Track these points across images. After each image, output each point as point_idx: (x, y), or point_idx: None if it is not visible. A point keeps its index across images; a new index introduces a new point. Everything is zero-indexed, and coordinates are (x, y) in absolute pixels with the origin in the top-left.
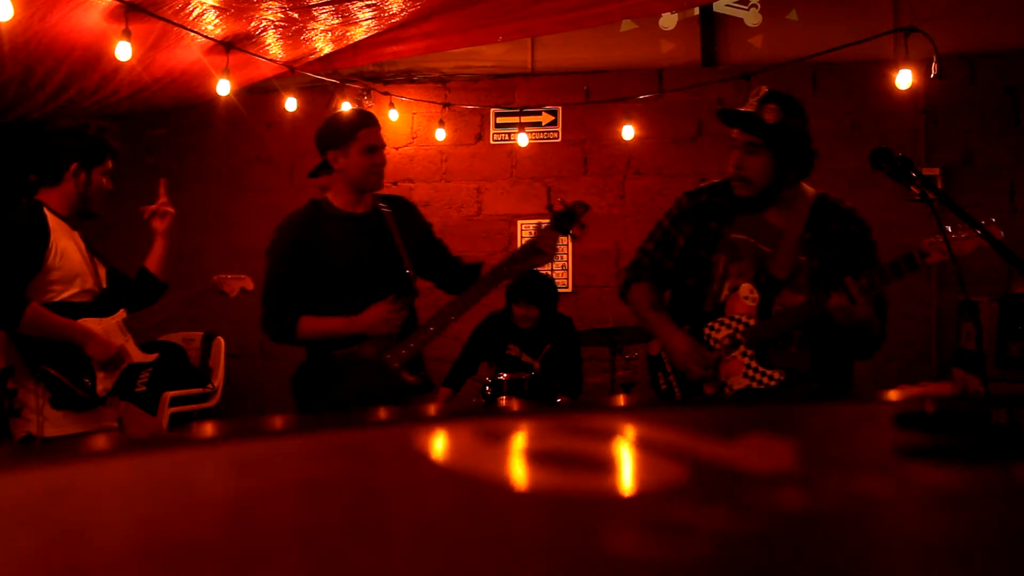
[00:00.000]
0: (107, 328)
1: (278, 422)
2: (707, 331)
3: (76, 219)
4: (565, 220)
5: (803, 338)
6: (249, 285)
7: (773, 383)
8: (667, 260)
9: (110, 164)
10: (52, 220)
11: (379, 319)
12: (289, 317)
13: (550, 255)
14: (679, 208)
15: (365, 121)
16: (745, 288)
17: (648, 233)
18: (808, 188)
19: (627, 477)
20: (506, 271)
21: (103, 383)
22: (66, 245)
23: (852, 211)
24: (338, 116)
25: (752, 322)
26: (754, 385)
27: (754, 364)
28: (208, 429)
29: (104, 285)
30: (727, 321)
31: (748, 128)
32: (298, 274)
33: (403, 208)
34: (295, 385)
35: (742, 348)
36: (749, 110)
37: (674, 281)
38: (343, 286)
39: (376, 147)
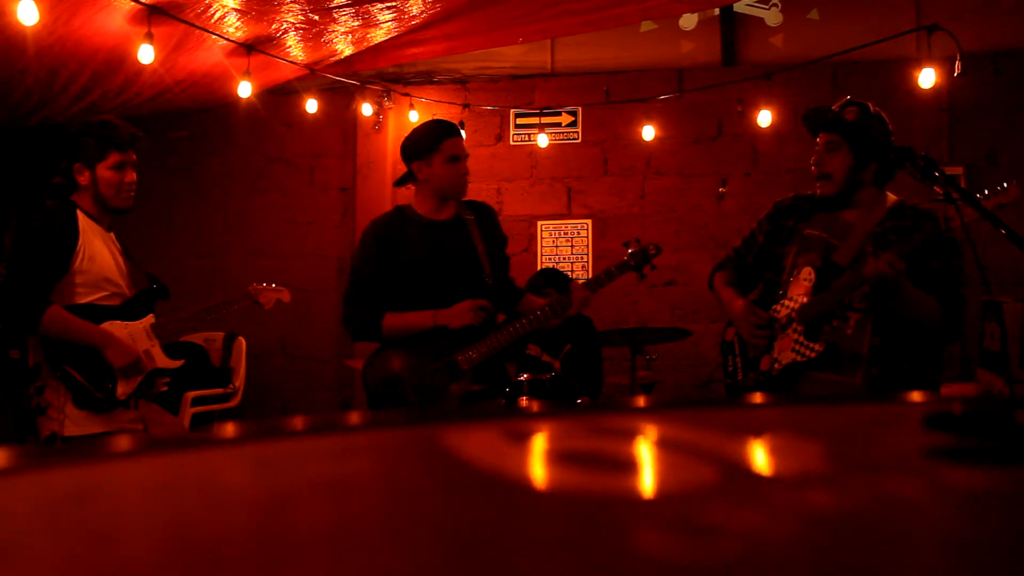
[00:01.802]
0: (133, 332)
1: (302, 422)
2: (771, 313)
3: (109, 219)
4: (638, 260)
5: (861, 320)
6: (286, 297)
7: (813, 355)
8: (748, 255)
9: (118, 157)
10: (84, 222)
11: (464, 310)
12: (373, 315)
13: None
14: (767, 211)
15: (448, 131)
16: (805, 271)
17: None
18: (891, 196)
19: (654, 478)
20: (600, 283)
21: (123, 387)
22: (98, 248)
23: (930, 211)
24: (422, 127)
25: (806, 300)
26: (799, 359)
27: (801, 339)
28: (232, 429)
29: (135, 289)
30: (787, 302)
31: (829, 127)
32: (380, 275)
33: (486, 216)
34: (365, 373)
35: (795, 324)
36: (830, 109)
37: (755, 275)
38: (421, 289)
39: (459, 157)
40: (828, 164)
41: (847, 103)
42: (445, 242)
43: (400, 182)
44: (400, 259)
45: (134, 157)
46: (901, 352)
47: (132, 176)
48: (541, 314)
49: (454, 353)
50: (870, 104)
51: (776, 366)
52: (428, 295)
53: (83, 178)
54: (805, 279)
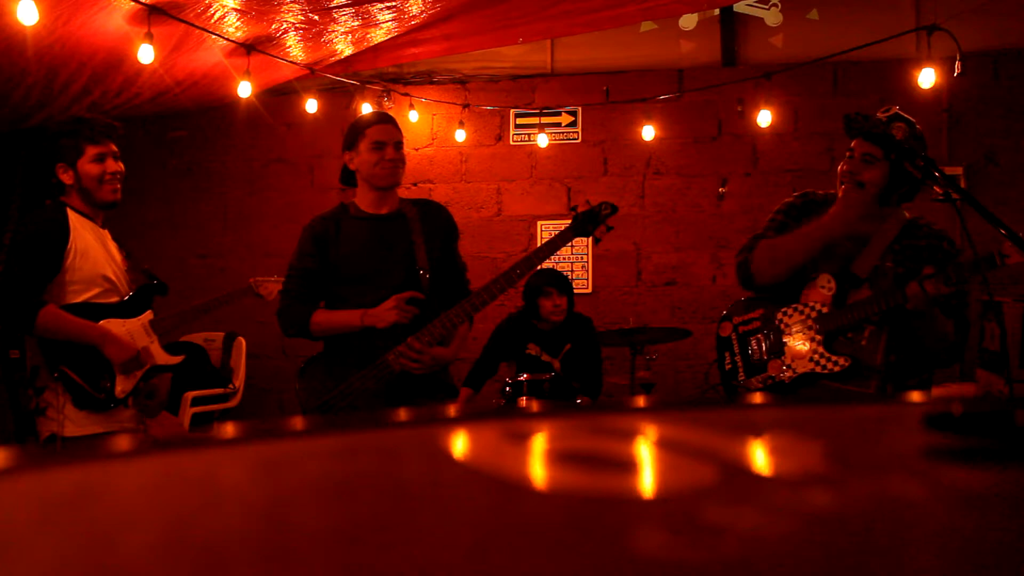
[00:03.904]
0: (132, 329)
1: (302, 422)
2: (780, 315)
3: (101, 215)
4: (587, 222)
5: (875, 333)
6: None
7: (837, 368)
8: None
9: (95, 150)
10: (76, 220)
11: (389, 307)
12: (304, 312)
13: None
14: (792, 201)
15: (373, 119)
16: (823, 278)
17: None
18: (906, 212)
19: (654, 478)
20: (516, 276)
21: (122, 385)
22: (89, 246)
23: (943, 232)
24: (354, 119)
25: (826, 310)
26: (818, 370)
27: (821, 350)
28: (232, 429)
29: (133, 286)
30: (800, 307)
31: (875, 140)
32: (316, 271)
33: (431, 211)
34: (300, 378)
35: (812, 334)
36: (878, 120)
37: None
38: (354, 285)
39: (384, 143)
40: (863, 174)
41: (895, 117)
42: (381, 237)
43: (342, 178)
44: (334, 254)
45: (114, 148)
46: (912, 368)
47: (114, 166)
48: (475, 300)
49: (384, 354)
50: (915, 121)
51: (789, 373)
52: (362, 291)
53: (67, 177)
54: (823, 287)
